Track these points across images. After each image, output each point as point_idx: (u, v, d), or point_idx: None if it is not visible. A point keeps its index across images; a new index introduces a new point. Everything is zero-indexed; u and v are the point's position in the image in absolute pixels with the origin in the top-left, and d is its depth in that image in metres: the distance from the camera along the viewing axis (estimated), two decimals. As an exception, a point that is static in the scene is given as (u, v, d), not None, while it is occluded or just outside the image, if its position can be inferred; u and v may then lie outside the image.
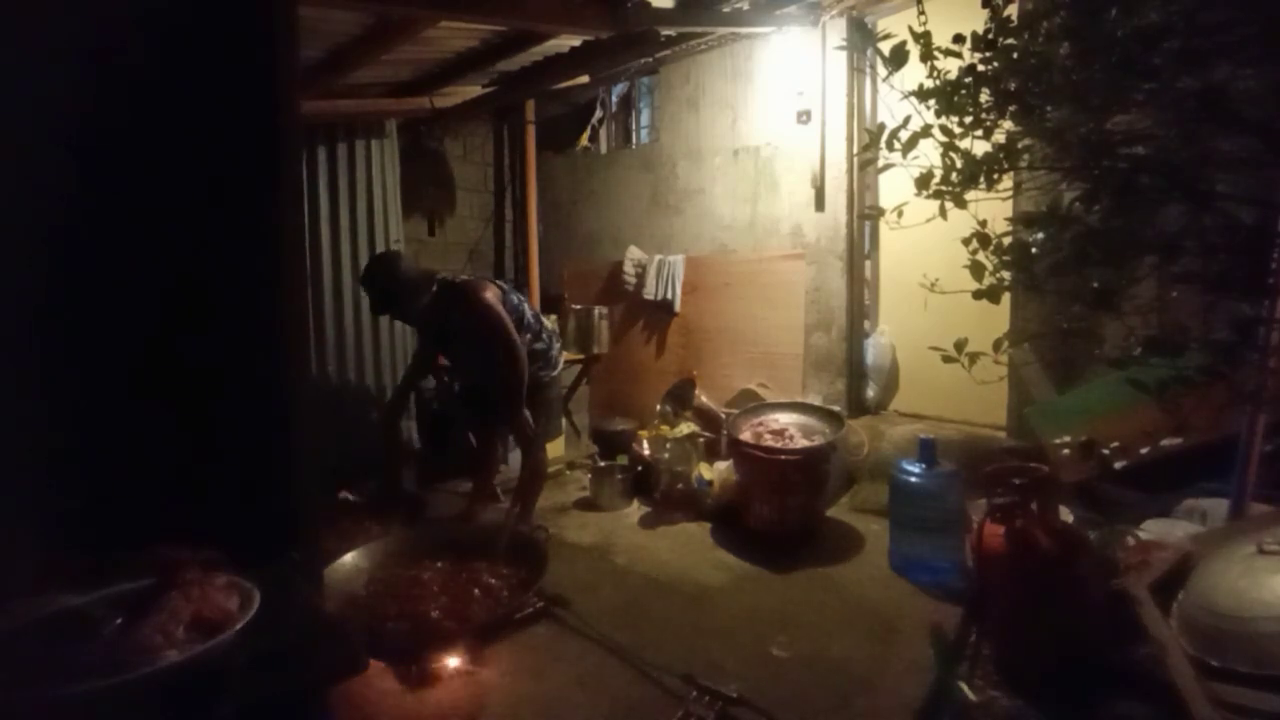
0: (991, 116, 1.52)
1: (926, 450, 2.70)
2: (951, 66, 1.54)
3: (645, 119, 4.99)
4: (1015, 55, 1.46)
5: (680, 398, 4.05)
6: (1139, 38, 1.30)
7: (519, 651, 2.22)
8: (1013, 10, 1.50)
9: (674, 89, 4.52)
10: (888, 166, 1.63)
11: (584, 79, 4.50)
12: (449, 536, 2.45)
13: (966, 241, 1.58)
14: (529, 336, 3.07)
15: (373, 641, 1.91)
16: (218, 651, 1.07)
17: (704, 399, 3.93)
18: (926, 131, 1.57)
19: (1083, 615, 1.91)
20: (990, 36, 1.48)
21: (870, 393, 3.90)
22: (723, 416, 3.67)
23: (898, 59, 1.56)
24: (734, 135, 4.23)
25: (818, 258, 3.88)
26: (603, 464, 3.83)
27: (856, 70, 3.63)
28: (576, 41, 3.69)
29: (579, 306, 4.62)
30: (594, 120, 5.08)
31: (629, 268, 4.67)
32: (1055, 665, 1.89)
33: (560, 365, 3.33)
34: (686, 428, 3.76)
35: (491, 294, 2.90)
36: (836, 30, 3.67)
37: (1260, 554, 1.65)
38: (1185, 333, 1.41)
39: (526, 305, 3.15)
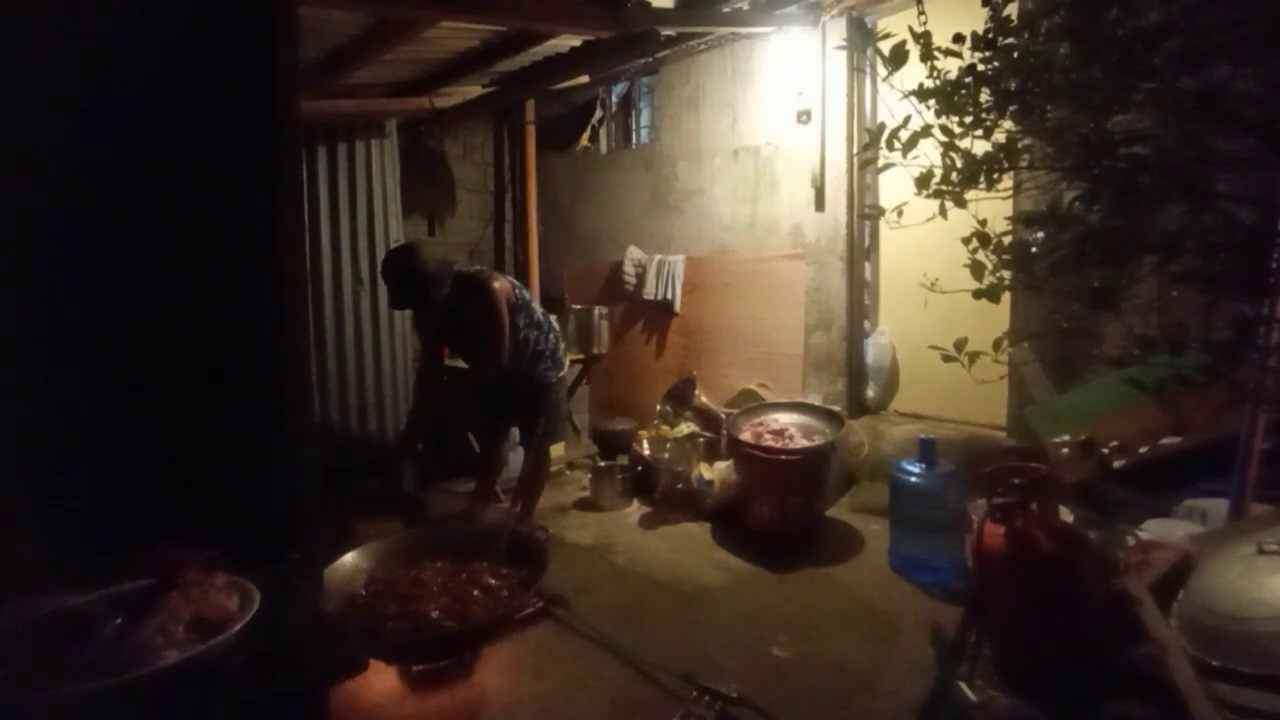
0: (991, 116, 1.52)
1: (926, 450, 2.70)
2: (951, 66, 1.54)
3: (645, 119, 4.99)
4: (1015, 55, 1.46)
5: (680, 398, 4.04)
6: (1139, 38, 1.30)
7: (519, 651, 2.22)
8: (1013, 10, 1.50)
9: (674, 89, 4.52)
10: (888, 166, 1.63)
11: (584, 79, 4.51)
12: (449, 536, 2.44)
13: (966, 241, 1.57)
14: (536, 334, 3.09)
15: (373, 641, 1.90)
16: (218, 651, 1.07)
17: (704, 399, 3.93)
18: (926, 131, 1.57)
19: (1083, 615, 1.91)
20: (990, 36, 1.48)
21: (870, 393, 3.90)
22: (723, 416, 3.67)
23: (897, 59, 1.55)
24: (734, 135, 4.23)
25: (818, 258, 3.88)
26: (603, 464, 3.83)
27: (856, 70, 3.62)
28: (576, 41, 3.69)
29: (579, 306, 4.62)
30: (594, 120, 5.08)
31: (629, 268, 4.67)
32: (1055, 665, 1.89)
33: (566, 366, 3.33)
34: (686, 428, 3.76)
35: (500, 285, 2.97)
36: (836, 30, 3.66)
37: (1260, 554, 1.65)
38: (1185, 332, 1.41)
39: (536, 304, 3.18)
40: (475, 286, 2.95)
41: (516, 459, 3.65)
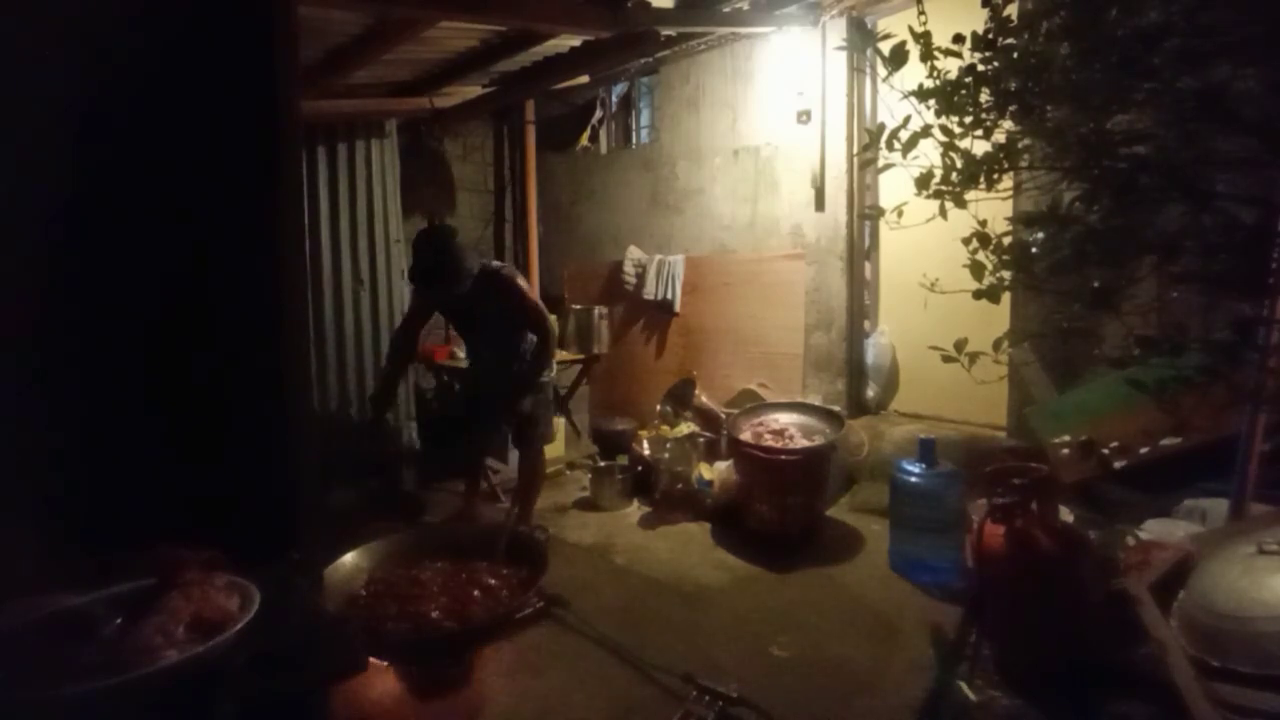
0: (991, 116, 1.52)
1: (926, 450, 2.70)
2: (951, 66, 1.53)
3: (645, 119, 4.99)
4: (1015, 55, 1.45)
5: (680, 398, 4.05)
6: (1139, 38, 1.30)
7: (519, 651, 2.22)
8: (1013, 10, 1.50)
9: (674, 89, 4.52)
10: (888, 166, 1.62)
11: (584, 79, 4.50)
12: (449, 536, 2.44)
13: (966, 241, 1.57)
14: (533, 337, 3.14)
15: (373, 641, 1.90)
16: (218, 651, 1.07)
17: (704, 399, 3.93)
18: (926, 131, 1.57)
19: (1083, 615, 1.91)
20: (990, 36, 1.47)
21: (870, 393, 3.90)
22: (723, 416, 3.67)
23: (897, 59, 1.55)
24: (734, 135, 4.23)
25: (818, 258, 3.88)
26: (603, 464, 3.83)
27: (856, 70, 3.62)
28: (576, 41, 3.69)
29: (579, 306, 4.62)
30: (594, 120, 5.08)
31: (629, 268, 4.67)
32: (1055, 665, 1.89)
33: (555, 368, 3.36)
34: (686, 428, 3.76)
35: (524, 281, 3.14)
36: (836, 30, 3.67)
37: (1260, 554, 1.65)
38: (1185, 333, 1.41)
39: None
40: (505, 282, 3.04)
41: (515, 459, 3.65)
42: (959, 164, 1.55)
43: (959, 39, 1.51)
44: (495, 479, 3.81)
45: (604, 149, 5.12)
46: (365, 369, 4.28)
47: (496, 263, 3.18)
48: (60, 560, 1.28)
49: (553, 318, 3.36)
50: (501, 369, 3.14)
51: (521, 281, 3.11)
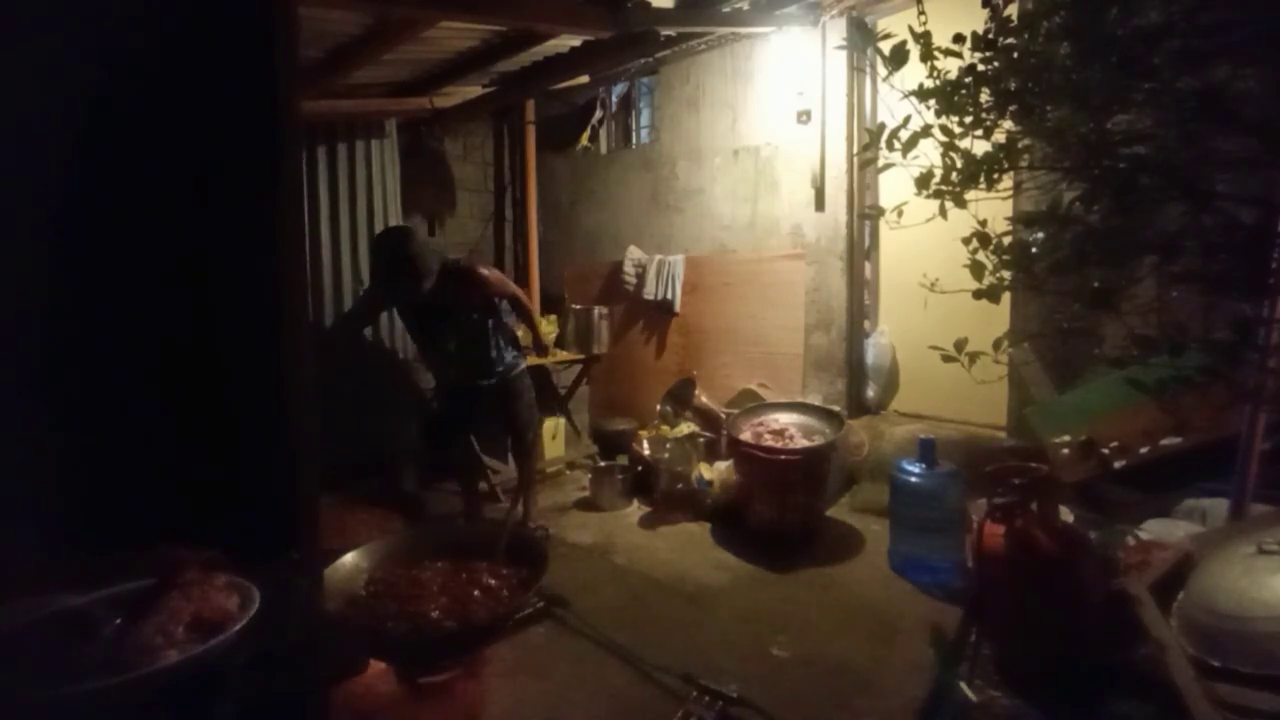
0: (991, 116, 1.52)
1: (926, 450, 2.70)
2: (951, 66, 1.54)
3: (645, 119, 4.99)
4: (1015, 55, 1.46)
5: (680, 398, 4.05)
6: (1139, 38, 1.30)
7: (519, 651, 2.22)
8: (1013, 10, 1.50)
9: (674, 89, 4.52)
10: (888, 166, 1.62)
11: (584, 79, 4.50)
12: (449, 536, 2.44)
13: (966, 241, 1.57)
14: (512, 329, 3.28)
15: (373, 641, 1.90)
16: (218, 651, 1.07)
17: (704, 399, 3.93)
18: (926, 131, 1.57)
19: (1083, 615, 1.90)
20: (990, 36, 1.47)
21: (870, 393, 3.90)
22: (723, 416, 3.67)
23: (898, 59, 1.55)
24: (734, 135, 4.23)
25: (818, 258, 3.88)
26: (603, 464, 3.84)
27: (856, 70, 3.62)
28: (576, 41, 3.69)
29: (579, 306, 4.62)
30: (594, 120, 5.08)
31: (629, 268, 4.67)
32: (1055, 665, 1.89)
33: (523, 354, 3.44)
34: (686, 428, 3.76)
35: (487, 269, 3.17)
36: (836, 30, 3.67)
37: (1260, 554, 1.65)
38: (1185, 332, 1.41)
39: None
40: (470, 275, 3.05)
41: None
42: (959, 164, 1.55)
43: (959, 39, 1.51)
44: (495, 479, 3.82)
45: (604, 149, 5.12)
46: (364, 368, 4.28)
47: (455, 257, 3.19)
48: (60, 560, 1.28)
49: (551, 317, 3.37)
50: (486, 365, 3.16)
51: (485, 270, 3.11)
